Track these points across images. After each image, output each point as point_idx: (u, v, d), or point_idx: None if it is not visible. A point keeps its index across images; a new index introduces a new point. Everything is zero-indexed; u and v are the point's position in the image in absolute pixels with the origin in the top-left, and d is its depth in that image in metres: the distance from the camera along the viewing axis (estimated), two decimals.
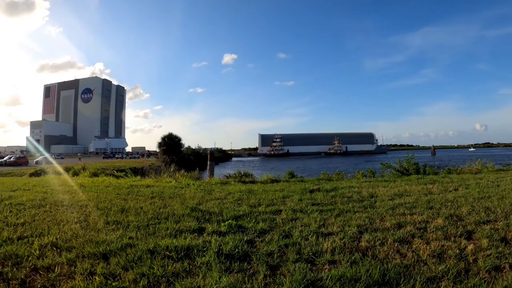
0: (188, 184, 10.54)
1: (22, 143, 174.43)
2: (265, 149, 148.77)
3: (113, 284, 2.76)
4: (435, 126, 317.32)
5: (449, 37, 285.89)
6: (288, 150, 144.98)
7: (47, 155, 54.32)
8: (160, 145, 45.47)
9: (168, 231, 4.34)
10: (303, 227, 4.53)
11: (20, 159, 43.17)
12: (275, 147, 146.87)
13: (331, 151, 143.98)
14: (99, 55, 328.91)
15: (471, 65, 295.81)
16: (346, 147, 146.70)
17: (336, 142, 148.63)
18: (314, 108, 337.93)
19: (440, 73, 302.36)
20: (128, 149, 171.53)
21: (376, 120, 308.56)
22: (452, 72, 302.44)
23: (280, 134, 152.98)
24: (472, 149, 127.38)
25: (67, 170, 19.52)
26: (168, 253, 3.44)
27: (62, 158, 71.80)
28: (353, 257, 3.28)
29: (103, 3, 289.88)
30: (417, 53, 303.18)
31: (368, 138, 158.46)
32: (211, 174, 16.45)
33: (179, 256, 3.38)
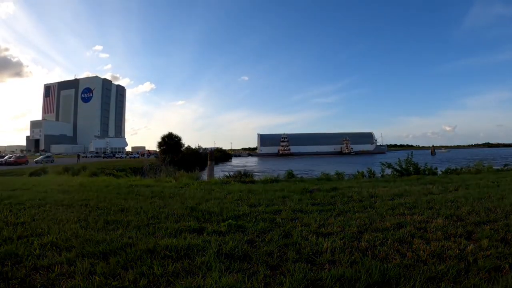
0: (188, 184, 10.54)
1: (22, 142, 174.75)
2: (264, 149, 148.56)
3: (113, 283, 2.75)
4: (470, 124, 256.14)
5: None
6: (290, 149, 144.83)
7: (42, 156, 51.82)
8: (160, 145, 45.49)
9: (168, 231, 4.34)
10: (303, 227, 4.53)
11: (20, 158, 43.14)
12: (285, 147, 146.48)
13: (348, 151, 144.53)
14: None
15: None
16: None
17: (346, 142, 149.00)
18: (346, 97, 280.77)
19: None
20: (128, 148, 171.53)
21: (406, 114, 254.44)
22: None
23: (286, 134, 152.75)
24: (443, 151, 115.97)
25: (66, 169, 19.53)
26: (168, 253, 3.44)
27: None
28: (353, 257, 3.28)
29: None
30: None
31: (367, 138, 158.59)
32: (211, 174, 16.46)
33: (179, 255, 3.38)
